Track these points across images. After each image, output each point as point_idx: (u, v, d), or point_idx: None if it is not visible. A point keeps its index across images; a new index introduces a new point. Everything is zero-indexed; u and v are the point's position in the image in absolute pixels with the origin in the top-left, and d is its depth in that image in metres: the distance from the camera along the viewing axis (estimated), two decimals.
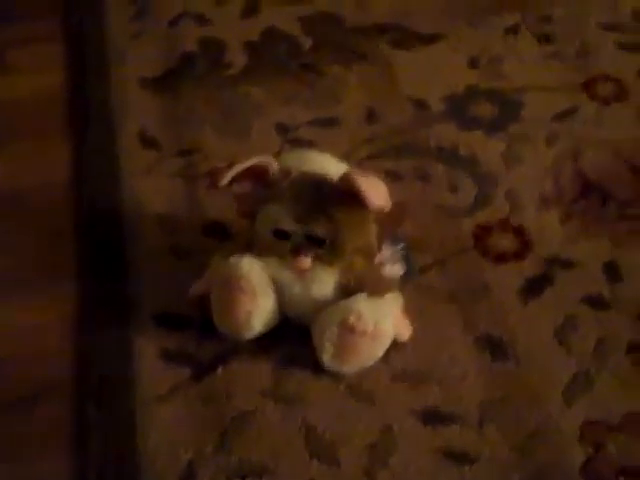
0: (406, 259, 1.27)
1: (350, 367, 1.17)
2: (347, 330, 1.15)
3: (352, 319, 1.15)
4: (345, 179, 1.14)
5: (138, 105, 1.58)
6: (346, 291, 1.19)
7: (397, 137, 1.51)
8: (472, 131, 1.51)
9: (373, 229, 1.21)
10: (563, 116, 1.53)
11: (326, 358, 1.17)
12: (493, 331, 1.23)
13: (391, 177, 1.44)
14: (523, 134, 1.50)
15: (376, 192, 1.13)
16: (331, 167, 1.20)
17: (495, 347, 1.21)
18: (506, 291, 1.28)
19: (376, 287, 1.19)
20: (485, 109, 1.55)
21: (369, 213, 1.18)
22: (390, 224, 1.25)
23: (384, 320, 1.17)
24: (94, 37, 1.72)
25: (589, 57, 1.63)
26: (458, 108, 1.55)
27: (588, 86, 1.58)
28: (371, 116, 1.55)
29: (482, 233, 1.36)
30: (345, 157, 1.43)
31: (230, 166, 1.15)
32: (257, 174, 1.18)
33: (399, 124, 1.53)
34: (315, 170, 1.18)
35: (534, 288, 1.28)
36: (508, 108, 1.55)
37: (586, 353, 1.20)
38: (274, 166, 1.17)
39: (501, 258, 1.32)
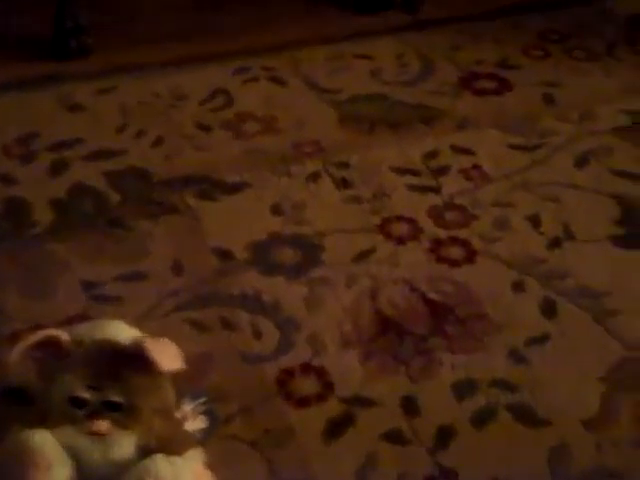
0: (208, 412, 1.28)
1: None
2: None
3: None
4: (134, 345, 1.16)
5: None
6: (147, 452, 1.18)
7: (202, 287, 1.54)
8: (275, 277, 1.56)
9: (169, 389, 1.22)
10: (361, 257, 1.60)
11: None
12: (296, 476, 1.25)
13: (197, 328, 1.46)
14: (324, 277, 1.56)
15: (166, 355, 1.16)
16: (123, 333, 1.22)
17: None
18: (310, 434, 1.30)
19: (175, 446, 1.19)
20: (287, 255, 1.61)
21: (163, 374, 1.19)
22: (192, 378, 1.27)
23: (183, 478, 1.17)
24: None
25: (384, 199, 1.73)
26: (261, 255, 1.60)
27: (383, 227, 1.67)
28: (177, 268, 1.58)
29: (286, 378, 1.39)
30: (152, 310, 1.47)
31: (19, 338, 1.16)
32: (51, 345, 1.18)
33: (204, 274, 1.57)
34: (107, 337, 1.20)
35: (336, 429, 1.31)
36: (309, 252, 1.61)
37: None
38: (65, 337, 1.18)
39: (304, 402, 1.35)
